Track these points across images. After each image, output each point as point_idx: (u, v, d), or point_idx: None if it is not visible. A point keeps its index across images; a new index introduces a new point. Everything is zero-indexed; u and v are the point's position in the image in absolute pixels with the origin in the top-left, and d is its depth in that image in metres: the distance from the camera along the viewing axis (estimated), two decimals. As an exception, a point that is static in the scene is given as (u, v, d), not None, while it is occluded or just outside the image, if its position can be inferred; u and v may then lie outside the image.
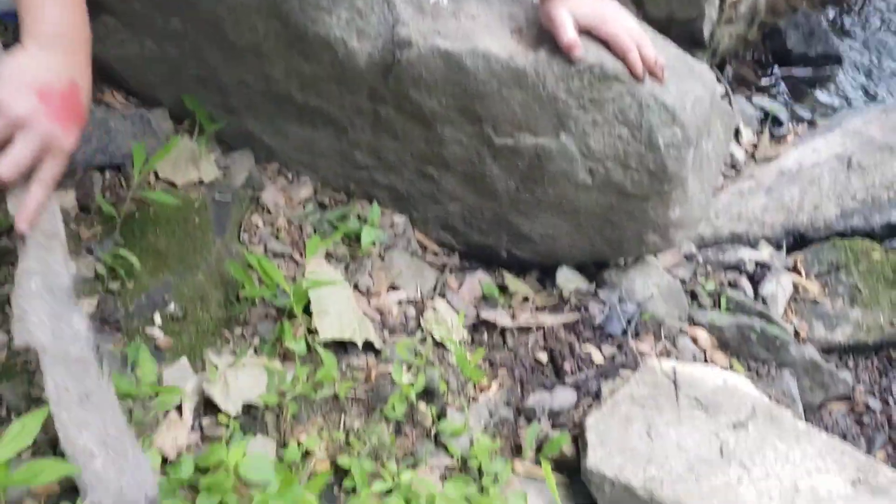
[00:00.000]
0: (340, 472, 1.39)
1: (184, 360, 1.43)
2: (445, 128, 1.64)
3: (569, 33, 1.49)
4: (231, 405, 1.40)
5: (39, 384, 1.32)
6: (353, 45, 1.55)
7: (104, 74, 1.73)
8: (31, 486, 1.14)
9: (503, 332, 1.75)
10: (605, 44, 1.53)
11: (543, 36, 1.55)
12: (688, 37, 2.72)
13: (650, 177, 1.61)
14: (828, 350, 1.99)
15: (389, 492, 1.32)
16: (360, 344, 1.58)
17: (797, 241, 2.25)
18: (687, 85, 1.60)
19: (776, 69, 3.27)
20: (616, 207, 1.68)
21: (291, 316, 1.56)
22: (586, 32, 1.52)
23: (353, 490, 1.34)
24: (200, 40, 1.63)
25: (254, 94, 1.70)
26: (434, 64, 1.55)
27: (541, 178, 1.66)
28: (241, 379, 1.44)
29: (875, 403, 1.91)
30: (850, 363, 2.01)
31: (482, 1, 1.62)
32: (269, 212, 1.76)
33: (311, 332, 1.56)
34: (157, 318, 1.48)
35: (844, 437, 1.82)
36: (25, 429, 1.06)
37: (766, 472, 1.35)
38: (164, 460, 1.28)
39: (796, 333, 1.97)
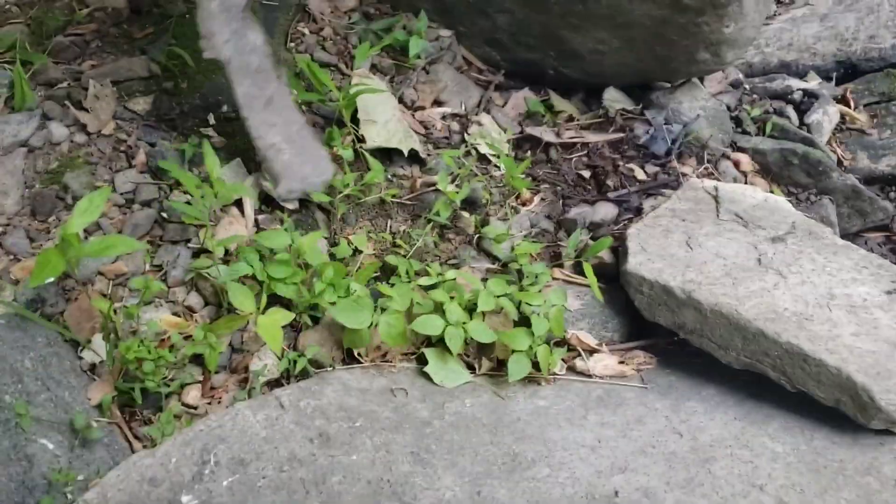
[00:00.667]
0: (388, 270, 1.44)
1: (238, 161, 1.47)
2: (497, -69, 1.59)
3: None
4: (289, 201, 1.46)
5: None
6: None
7: None
8: (102, 261, 1.21)
9: (547, 147, 1.75)
10: None
11: None
12: None
13: (707, -13, 1.56)
14: (870, 181, 1.97)
15: (434, 286, 1.37)
16: (405, 152, 1.60)
17: (848, 71, 2.19)
18: None
19: None
20: (670, 21, 1.64)
21: (339, 124, 1.58)
22: None
23: (401, 284, 1.40)
24: None
25: None
26: None
27: (594, -13, 1.62)
28: (293, 179, 1.48)
29: (912, 233, 1.91)
30: (893, 195, 2.00)
31: None
32: (315, 20, 1.75)
33: (359, 139, 1.58)
34: (211, 119, 1.50)
35: (879, 263, 1.84)
36: (93, 203, 1.11)
37: (802, 280, 1.38)
38: (227, 251, 1.34)
39: (839, 162, 1.95)
